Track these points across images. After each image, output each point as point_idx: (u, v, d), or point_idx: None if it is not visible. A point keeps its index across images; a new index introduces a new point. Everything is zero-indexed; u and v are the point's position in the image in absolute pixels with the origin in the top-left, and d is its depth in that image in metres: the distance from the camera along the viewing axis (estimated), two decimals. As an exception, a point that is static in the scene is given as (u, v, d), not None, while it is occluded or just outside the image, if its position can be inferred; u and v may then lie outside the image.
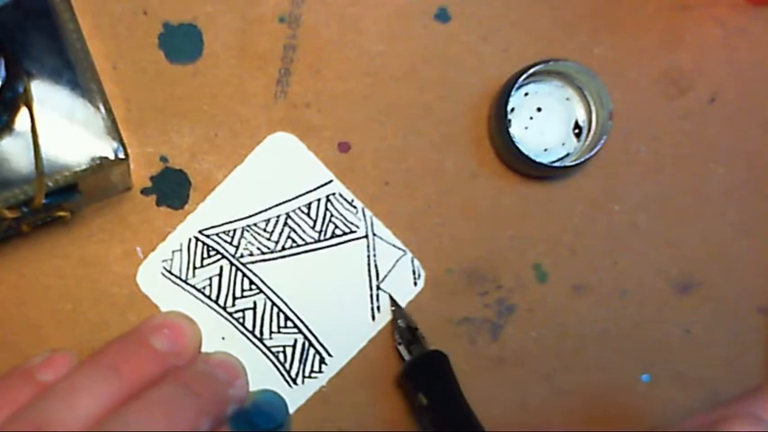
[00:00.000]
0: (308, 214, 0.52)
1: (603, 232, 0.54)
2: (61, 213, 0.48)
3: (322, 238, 0.52)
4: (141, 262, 0.51)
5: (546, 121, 0.53)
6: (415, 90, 0.53)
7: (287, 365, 0.52)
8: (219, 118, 0.52)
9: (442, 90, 0.53)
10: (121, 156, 0.45)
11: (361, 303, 0.52)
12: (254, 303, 0.52)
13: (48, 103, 0.44)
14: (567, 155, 0.53)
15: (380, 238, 0.52)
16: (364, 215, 0.52)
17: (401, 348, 0.51)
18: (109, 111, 0.45)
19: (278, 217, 0.52)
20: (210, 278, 0.51)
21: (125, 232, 0.51)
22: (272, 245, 0.52)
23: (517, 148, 0.51)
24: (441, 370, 0.50)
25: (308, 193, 0.52)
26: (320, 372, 0.52)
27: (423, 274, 0.53)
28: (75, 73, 0.44)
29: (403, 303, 0.52)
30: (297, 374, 0.52)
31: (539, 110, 0.53)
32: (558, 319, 0.54)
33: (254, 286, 0.52)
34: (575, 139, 0.53)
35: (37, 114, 0.43)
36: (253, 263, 0.52)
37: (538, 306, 0.54)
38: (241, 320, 0.51)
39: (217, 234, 0.52)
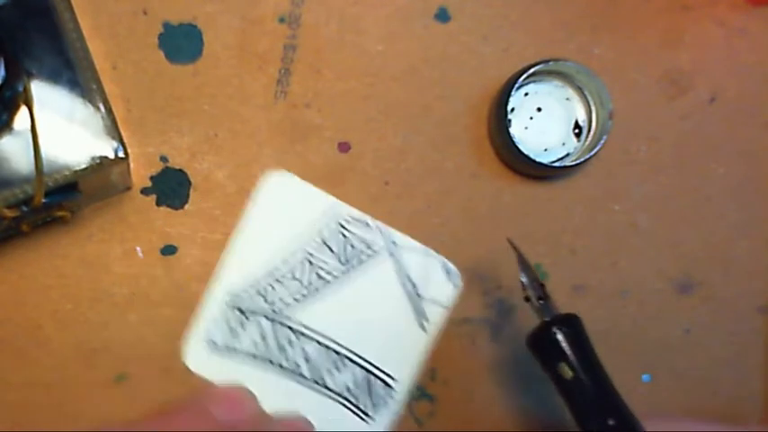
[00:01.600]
0: (327, 246, 0.52)
1: (603, 232, 0.54)
2: (61, 213, 0.48)
3: (347, 265, 0.52)
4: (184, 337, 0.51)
5: (546, 121, 0.53)
6: (415, 90, 0.53)
7: (356, 401, 0.51)
8: (219, 118, 0.52)
9: (442, 90, 0.53)
10: (121, 155, 0.45)
11: (406, 318, 0.51)
12: (304, 350, 0.51)
13: (47, 103, 0.44)
14: (567, 155, 0.53)
15: (403, 248, 0.52)
16: (380, 230, 0.52)
17: (530, 305, 0.47)
18: (109, 110, 0.45)
19: (300, 260, 0.51)
20: (254, 339, 0.51)
21: (125, 232, 0.51)
22: (302, 288, 0.51)
23: (517, 148, 0.51)
24: (580, 338, 0.46)
25: (318, 223, 0.51)
26: (390, 397, 0.51)
27: (459, 274, 0.52)
28: (75, 72, 0.44)
29: (448, 305, 0.51)
30: (368, 407, 0.51)
31: (539, 110, 0.53)
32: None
33: (299, 335, 0.51)
34: (575, 139, 0.53)
35: (37, 113, 0.43)
36: (291, 312, 0.51)
37: (538, 306, 0.54)
38: (297, 371, 0.51)
39: (247, 295, 0.51)
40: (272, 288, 0.51)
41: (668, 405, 0.54)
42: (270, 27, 0.53)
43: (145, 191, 0.51)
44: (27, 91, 0.43)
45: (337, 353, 0.51)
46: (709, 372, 0.55)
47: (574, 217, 0.54)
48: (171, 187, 0.52)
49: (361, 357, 0.51)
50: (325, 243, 0.51)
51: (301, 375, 0.50)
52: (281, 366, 0.50)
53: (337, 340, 0.51)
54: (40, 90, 0.44)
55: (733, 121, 0.55)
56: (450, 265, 0.51)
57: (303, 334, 0.51)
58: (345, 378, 0.51)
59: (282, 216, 0.51)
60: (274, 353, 0.50)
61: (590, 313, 0.53)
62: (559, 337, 0.45)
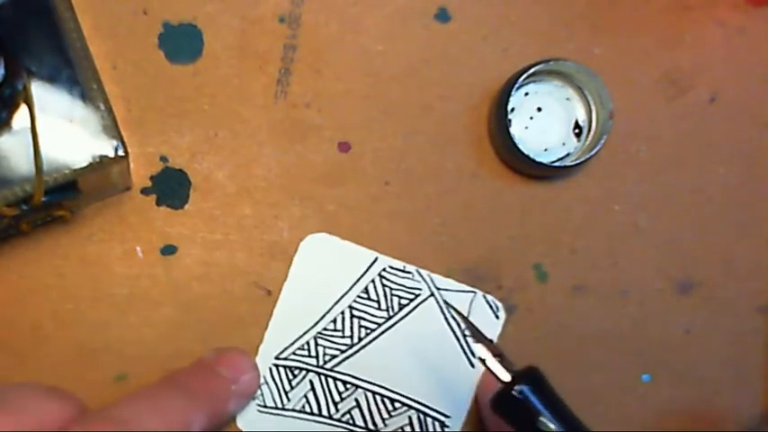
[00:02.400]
0: (369, 298, 0.52)
1: (603, 232, 0.54)
2: (61, 213, 0.48)
3: (391, 314, 0.52)
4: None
5: (546, 121, 0.53)
6: (415, 90, 0.53)
7: None
8: (219, 118, 0.52)
9: (442, 90, 0.53)
10: (121, 153, 0.45)
11: (454, 357, 0.52)
12: (356, 401, 0.51)
13: (47, 101, 0.44)
14: (568, 155, 0.53)
15: (446, 290, 0.52)
16: (421, 275, 0.52)
17: (489, 364, 0.45)
18: (109, 109, 0.45)
19: (342, 313, 0.52)
20: (305, 396, 0.51)
21: (125, 232, 0.51)
22: (348, 341, 0.52)
23: (517, 147, 0.51)
24: (548, 388, 0.45)
25: (360, 279, 0.52)
26: None
27: (500, 305, 0.52)
28: (75, 71, 0.44)
29: (493, 337, 0.52)
30: None
31: (539, 110, 0.53)
32: (558, 319, 0.54)
33: (348, 385, 0.51)
34: (575, 139, 0.53)
35: (36, 112, 0.43)
36: (338, 364, 0.51)
37: (538, 306, 0.54)
38: (351, 422, 0.51)
39: (293, 353, 0.51)
40: (318, 344, 0.51)
41: (668, 405, 0.54)
42: (270, 27, 0.53)
43: (145, 191, 0.51)
44: (27, 89, 0.43)
45: (390, 399, 0.51)
46: (709, 372, 0.55)
47: (574, 217, 0.54)
48: (171, 187, 0.52)
49: (412, 400, 0.52)
50: (368, 296, 0.52)
51: (355, 425, 0.51)
52: (332, 418, 0.51)
53: (387, 386, 0.52)
54: (40, 89, 0.44)
55: (733, 121, 0.55)
56: (491, 298, 0.52)
57: (353, 384, 0.51)
58: (399, 421, 0.52)
59: (324, 276, 0.52)
60: (325, 407, 0.51)
61: (590, 313, 0.54)
62: (529, 393, 0.44)
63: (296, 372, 0.51)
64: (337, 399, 0.51)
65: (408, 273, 0.52)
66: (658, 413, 0.54)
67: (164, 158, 0.52)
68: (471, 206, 0.53)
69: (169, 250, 0.52)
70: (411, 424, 0.52)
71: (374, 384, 0.52)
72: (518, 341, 0.53)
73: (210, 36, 0.52)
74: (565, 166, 0.51)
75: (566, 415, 0.44)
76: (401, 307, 0.52)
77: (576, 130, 0.53)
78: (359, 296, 0.52)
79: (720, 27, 0.55)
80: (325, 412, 0.51)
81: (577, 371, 0.54)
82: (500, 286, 0.53)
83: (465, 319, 0.48)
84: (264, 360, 0.51)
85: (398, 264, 0.52)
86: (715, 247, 0.55)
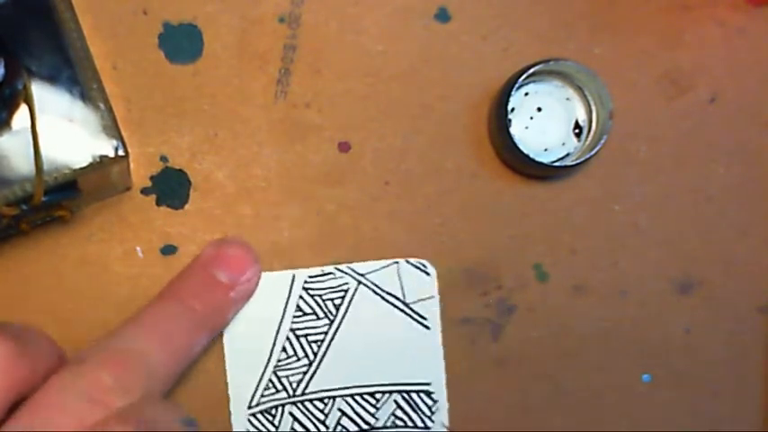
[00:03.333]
0: (305, 313, 0.52)
1: (603, 232, 0.54)
2: (61, 213, 0.48)
3: (332, 318, 0.52)
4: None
5: (546, 121, 0.53)
6: (415, 90, 0.53)
7: (407, 422, 0.52)
8: (219, 118, 0.52)
9: (442, 90, 0.53)
10: (121, 153, 0.45)
11: (407, 328, 0.52)
12: (341, 411, 0.52)
13: (47, 101, 0.44)
14: (568, 155, 0.53)
15: (370, 273, 0.52)
16: (341, 270, 0.52)
17: None
18: (109, 108, 0.45)
19: (288, 339, 0.52)
20: (292, 428, 0.51)
21: (125, 232, 0.51)
22: (305, 361, 0.52)
23: (517, 147, 0.51)
24: None
25: (288, 301, 0.52)
26: (434, 400, 0.52)
27: (427, 263, 0.52)
28: (75, 71, 0.44)
29: (435, 294, 0.52)
30: (422, 419, 0.52)
31: (539, 110, 0.53)
32: (558, 319, 0.54)
33: (326, 400, 0.52)
34: (575, 139, 0.53)
35: (37, 112, 0.43)
36: (307, 387, 0.52)
37: (538, 306, 0.54)
38: (345, 431, 0.52)
39: (262, 396, 0.51)
40: (280, 377, 0.51)
41: (668, 405, 0.54)
42: (270, 27, 0.53)
43: (145, 191, 0.51)
44: (27, 89, 0.43)
45: (368, 394, 0.51)
46: (709, 372, 0.55)
47: (574, 217, 0.54)
48: (171, 187, 0.52)
49: (389, 385, 0.52)
50: (302, 312, 0.52)
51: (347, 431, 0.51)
52: None
53: (360, 384, 0.52)
54: (40, 89, 0.44)
55: (733, 121, 0.55)
56: (413, 261, 0.52)
57: (329, 397, 0.51)
58: (387, 409, 0.52)
59: (254, 313, 0.51)
60: (315, 430, 0.51)
61: (590, 313, 0.54)
62: None
63: (273, 412, 0.51)
64: (322, 417, 0.51)
65: (329, 273, 0.52)
66: (658, 413, 0.54)
67: (164, 158, 0.52)
68: (471, 206, 0.53)
69: (169, 250, 0.52)
70: (400, 407, 0.52)
71: (348, 388, 0.52)
72: (518, 341, 0.53)
73: (210, 36, 0.52)
74: (565, 166, 0.51)
75: None
76: (337, 307, 0.52)
77: (576, 130, 0.53)
78: (294, 316, 0.52)
79: (720, 27, 0.55)
80: None
81: (577, 371, 0.54)
82: (500, 286, 0.53)
83: None
84: (239, 416, 0.51)
85: (315, 270, 0.52)
86: (715, 247, 0.55)
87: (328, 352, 0.52)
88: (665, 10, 0.55)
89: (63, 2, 0.45)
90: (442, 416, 0.52)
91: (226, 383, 0.51)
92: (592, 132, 0.53)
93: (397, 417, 0.52)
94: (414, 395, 0.52)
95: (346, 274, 0.52)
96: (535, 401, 0.53)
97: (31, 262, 0.50)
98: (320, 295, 0.52)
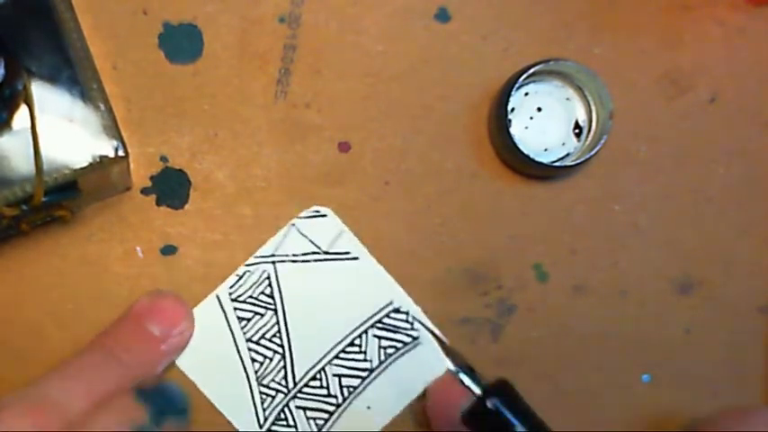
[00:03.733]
0: (250, 320, 0.52)
1: (603, 232, 0.54)
2: (61, 213, 0.48)
3: (273, 307, 0.52)
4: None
5: (546, 121, 0.53)
6: (415, 90, 0.53)
7: (397, 346, 0.52)
8: (219, 118, 0.52)
9: (442, 90, 0.53)
10: (121, 153, 0.45)
11: (342, 268, 0.53)
12: (334, 375, 0.52)
13: (47, 101, 0.44)
14: (568, 155, 0.53)
15: (280, 254, 0.52)
16: (253, 264, 0.52)
17: (463, 377, 0.47)
18: (109, 109, 0.45)
19: (250, 350, 0.52)
20: (308, 418, 0.52)
21: (125, 232, 0.51)
22: (275, 355, 0.52)
23: (517, 147, 0.51)
24: (519, 400, 0.46)
25: (227, 319, 0.52)
26: (405, 312, 0.53)
27: (320, 208, 0.52)
28: (75, 71, 0.44)
29: (342, 228, 0.52)
30: (408, 333, 0.52)
31: (539, 110, 0.53)
32: (558, 319, 0.54)
33: (316, 375, 0.52)
34: (575, 139, 0.53)
35: (37, 112, 0.43)
36: (293, 377, 0.52)
37: (538, 306, 0.54)
38: (351, 389, 0.52)
39: (263, 403, 0.52)
40: (268, 384, 0.52)
41: (668, 405, 0.54)
42: (270, 27, 0.53)
43: (145, 191, 0.51)
44: (27, 89, 0.43)
45: (348, 345, 0.52)
46: (709, 372, 0.55)
47: (574, 217, 0.54)
48: (171, 187, 0.52)
49: (359, 326, 0.52)
50: (246, 319, 0.52)
51: (354, 388, 0.52)
52: (340, 406, 0.52)
53: (336, 341, 0.52)
54: (40, 89, 0.44)
55: (733, 121, 0.55)
56: (304, 213, 0.52)
57: (319, 371, 0.52)
58: (373, 347, 0.52)
59: (211, 346, 0.51)
60: (330, 402, 0.52)
61: (590, 313, 0.54)
62: (502, 406, 0.45)
63: (282, 416, 0.51)
64: (324, 391, 0.52)
65: (245, 273, 0.52)
66: (658, 413, 0.54)
67: (164, 158, 0.52)
68: (471, 206, 0.53)
69: (169, 250, 0.52)
70: (381, 337, 0.52)
71: (328, 353, 0.52)
72: (518, 341, 0.53)
73: (210, 36, 0.52)
74: (565, 166, 0.51)
75: (537, 424, 0.46)
76: (271, 296, 0.52)
77: (576, 130, 0.53)
78: (242, 328, 0.51)
79: (720, 27, 0.55)
80: (335, 405, 0.52)
81: (577, 371, 0.54)
82: (500, 286, 0.53)
83: (437, 338, 0.49)
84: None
85: (231, 279, 0.52)
86: (715, 247, 0.55)
87: (291, 336, 0.52)
88: (665, 10, 0.55)
89: (63, 2, 0.45)
90: (421, 319, 0.52)
91: (228, 422, 0.51)
92: (592, 132, 0.53)
93: (385, 347, 0.52)
94: (385, 319, 0.52)
95: (258, 263, 0.52)
96: (535, 401, 0.53)
97: (31, 262, 0.50)
98: (250, 296, 0.52)
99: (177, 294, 0.50)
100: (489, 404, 0.45)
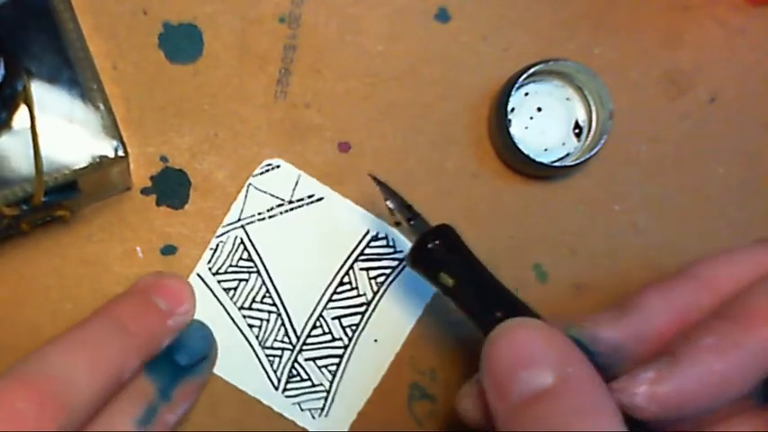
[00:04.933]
0: (230, 281, 0.52)
1: (603, 232, 0.54)
2: (61, 213, 0.48)
3: (257, 268, 0.52)
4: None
5: (546, 121, 0.53)
6: (415, 90, 0.53)
7: (388, 267, 0.53)
8: (219, 118, 0.52)
9: (442, 90, 0.53)
10: (121, 154, 0.45)
11: (309, 216, 0.53)
12: (335, 318, 0.52)
13: (47, 102, 0.44)
14: (568, 155, 0.53)
15: (246, 217, 0.52)
16: (224, 232, 0.52)
17: (401, 229, 0.47)
18: (108, 109, 0.45)
19: (244, 318, 0.52)
20: (320, 369, 0.52)
21: (125, 232, 0.51)
22: (274, 313, 0.52)
23: (517, 147, 0.51)
24: (455, 246, 0.46)
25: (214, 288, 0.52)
26: (384, 236, 0.53)
27: (278, 161, 0.52)
28: (75, 71, 0.44)
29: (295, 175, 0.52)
30: (393, 255, 0.53)
31: (539, 110, 0.53)
32: (558, 319, 0.54)
33: (317, 323, 0.52)
34: (575, 139, 0.53)
35: (36, 112, 0.43)
36: (289, 337, 0.52)
37: (538, 306, 0.53)
38: (355, 328, 0.52)
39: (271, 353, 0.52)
40: (272, 346, 0.52)
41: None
42: (270, 27, 0.53)
43: (145, 191, 0.51)
44: (27, 90, 0.43)
45: (338, 285, 0.52)
46: (710, 372, 0.55)
47: (574, 217, 0.54)
48: (171, 187, 0.52)
49: (343, 264, 0.52)
50: (232, 288, 0.52)
51: (356, 326, 0.52)
52: (348, 347, 0.52)
53: (325, 285, 0.52)
54: (40, 89, 0.44)
55: (733, 121, 0.55)
56: (257, 170, 0.52)
57: (317, 318, 0.52)
58: (363, 280, 0.52)
59: (210, 323, 0.51)
60: (337, 346, 0.52)
61: (590, 313, 0.53)
62: (434, 248, 0.45)
63: (294, 372, 0.51)
64: (329, 337, 0.52)
65: (218, 245, 0.52)
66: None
67: (164, 158, 0.52)
68: (471, 206, 0.53)
69: (169, 250, 0.52)
70: (369, 268, 0.52)
71: (321, 299, 0.52)
72: (518, 341, 0.53)
73: (210, 36, 0.52)
74: (565, 166, 0.51)
75: (466, 269, 0.45)
76: (250, 259, 0.52)
77: (576, 130, 0.53)
78: (231, 298, 0.51)
79: (720, 27, 0.55)
80: (345, 349, 0.52)
81: (577, 371, 0.54)
82: (500, 286, 0.53)
83: (381, 182, 0.49)
84: (279, 403, 0.51)
85: (207, 254, 0.52)
86: (715, 247, 0.55)
87: (281, 293, 0.52)
88: (665, 10, 0.55)
89: (63, 2, 0.45)
90: (402, 238, 0.50)
91: (242, 392, 0.51)
92: (592, 132, 0.53)
93: (374, 277, 0.52)
94: (366, 250, 0.52)
95: (227, 231, 0.52)
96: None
97: (31, 262, 0.50)
98: (229, 265, 0.52)
99: (181, 275, 0.50)
100: (425, 246, 0.45)
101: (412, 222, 0.47)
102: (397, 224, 0.48)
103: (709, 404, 0.39)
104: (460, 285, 0.44)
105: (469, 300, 0.44)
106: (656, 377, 0.38)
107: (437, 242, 0.45)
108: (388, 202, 0.48)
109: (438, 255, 0.45)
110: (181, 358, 0.47)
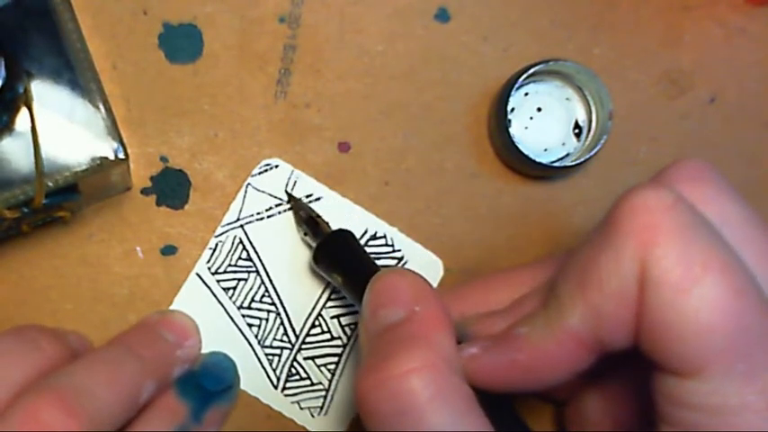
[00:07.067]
0: (233, 287, 0.52)
1: (603, 232, 0.54)
2: (61, 213, 0.48)
3: (256, 267, 0.52)
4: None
5: (546, 121, 0.53)
6: (415, 90, 0.53)
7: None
8: (219, 118, 0.52)
9: (442, 90, 0.53)
10: (121, 156, 0.45)
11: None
12: (333, 317, 0.52)
13: (48, 104, 0.44)
14: (567, 155, 0.53)
15: (245, 215, 0.52)
16: (223, 233, 0.52)
17: (308, 239, 0.50)
18: (109, 111, 0.45)
19: (243, 319, 0.52)
20: (320, 368, 0.52)
21: (125, 232, 0.51)
22: (273, 314, 0.52)
23: (517, 148, 0.51)
24: (346, 245, 0.49)
25: (213, 294, 0.52)
26: (384, 236, 0.53)
27: (275, 160, 0.53)
28: (75, 73, 0.44)
29: (288, 171, 0.53)
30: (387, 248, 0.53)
31: (539, 110, 0.53)
32: (557, 318, 0.54)
33: (315, 323, 0.52)
34: (575, 139, 0.53)
35: (37, 114, 0.43)
36: (289, 333, 0.52)
37: (538, 306, 0.54)
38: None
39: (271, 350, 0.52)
40: (271, 344, 0.52)
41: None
42: (270, 27, 0.53)
43: (145, 191, 0.51)
44: (27, 92, 0.43)
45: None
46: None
47: (574, 217, 0.54)
48: (171, 187, 0.52)
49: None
50: (232, 288, 0.52)
51: (355, 325, 0.52)
52: (347, 345, 0.52)
53: (323, 283, 0.52)
54: (40, 91, 0.44)
55: (733, 121, 0.55)
56: (256, 170, 0.52)
57: (316, 317, 0.52)
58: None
59: (209, 325, 0.51)
60: (335, 344, 0.52)
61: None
62: (325, 254, 0.48)
63: (293, 371, 0.51)
64: (327, 335, 0.52)
65: (217, 244, 0.52)
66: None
67: (164, 158, 0.52)
68: (471, 206, 0.53)
69: (169, 250, 0.52)
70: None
71: (320, 299, 0.52)
72: (518, 341, 0.53)
73: (210, 36, 0.52)
74: (565, 166, 0.51)
75: (352, 267, 0.47)
76: (249, 258, 0.52)
77: (576, 130, 0.53)
78: (230, 298, 0.52)
79: (720, 27, 0.55)
80: (344, 345, 0.52)
81: (577, 371, 0.54)
82: (500, 286, 0.53)
83: (290, 195, 0.51)
84: (278, 401, 0.52)
85: (206, 254, 0.52)
86: (715, 247, 0.55)
87: (280, 292, 0.52)
88: (665, 10, 0.55)
89: (63, 4, 0.45)
90: (402, 237, 0.52)
91: (241, 391, 0.51)
92: (592, 132, 0.53)
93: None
94: (366, 249, 0.52)
95: (226, 231, 0.52)
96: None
97: (31, 262, 0.51)
98: (228, 264, 0.52)
99: (185, 313, 0.50)
100: (318, 254, 0.48)
101: (308, 236, 0.50)
102: (305, 235, 0.50)
103: (536, 384, 0.41)
104: (349, 280, 0.47)
105: (356, 293, 0.46)
106: (474, 355, 0.41)
107: (327, 248, 0.48)
108: (300, 213, 0.51)
109: (328, 259, 0.48)
110: (209, 384, 0.48)
